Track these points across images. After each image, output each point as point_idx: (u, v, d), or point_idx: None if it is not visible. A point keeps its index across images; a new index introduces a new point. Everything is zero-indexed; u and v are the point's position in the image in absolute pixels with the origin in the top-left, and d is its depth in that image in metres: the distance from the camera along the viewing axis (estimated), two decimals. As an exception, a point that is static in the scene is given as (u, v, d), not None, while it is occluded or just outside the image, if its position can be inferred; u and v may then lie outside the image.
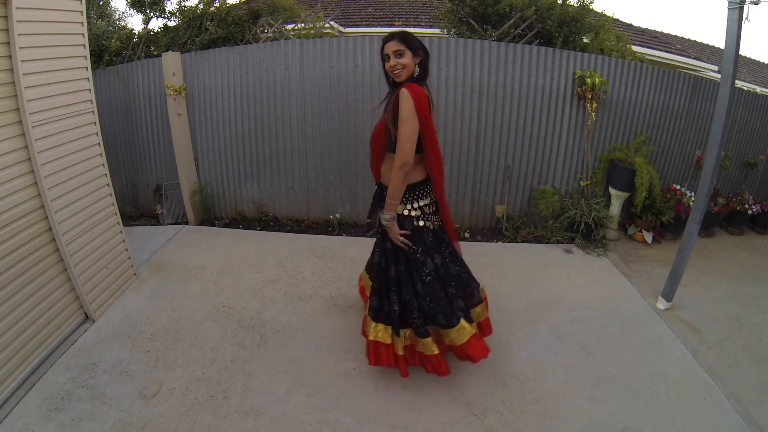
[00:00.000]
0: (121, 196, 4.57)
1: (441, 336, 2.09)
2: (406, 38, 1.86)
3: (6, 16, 2.06)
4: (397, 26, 7.96)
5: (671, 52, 7.38)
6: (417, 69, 1.89)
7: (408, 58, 1.86)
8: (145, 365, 2.33)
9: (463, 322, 2.06)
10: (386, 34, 1.93)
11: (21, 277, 2.19)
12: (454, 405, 2.13)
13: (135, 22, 18.61)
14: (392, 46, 1.86)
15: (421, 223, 2.01)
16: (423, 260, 2.01)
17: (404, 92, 1.79)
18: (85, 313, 2.65)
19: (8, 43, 2.08)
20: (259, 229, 4.18)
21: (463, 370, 2.35)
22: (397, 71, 1.87)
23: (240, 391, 2.17)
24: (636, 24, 9.04)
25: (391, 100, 1.91)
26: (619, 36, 5.14)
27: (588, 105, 3.84)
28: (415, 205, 2.00)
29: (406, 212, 1.99)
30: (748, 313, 3.00)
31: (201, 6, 4.86)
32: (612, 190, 3.97)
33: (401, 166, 1.83)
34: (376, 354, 2.14)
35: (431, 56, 3.67)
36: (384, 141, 1.99)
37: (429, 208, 2.05)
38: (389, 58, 1.88)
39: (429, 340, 2.05)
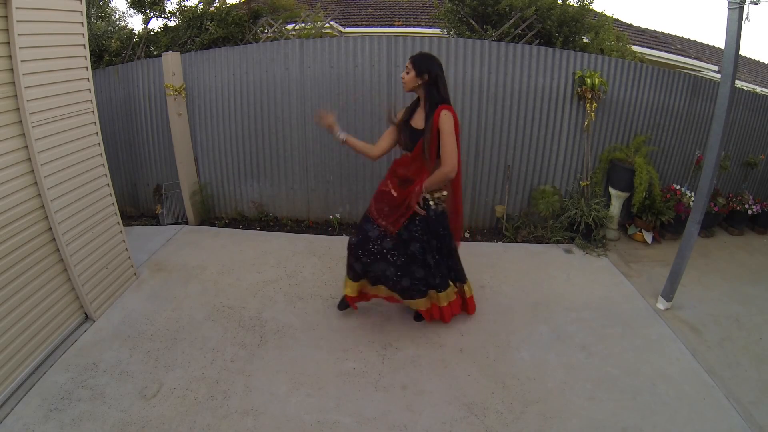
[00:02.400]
0: (121, 196, 4.57)
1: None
2: (415, 59, 2.26)
3: (6, 16, 2.06)
4: (398, 26, 7.96)
5: (671, 52, 7.38)
6: (422, 89, 2.26)
7: (410, 77, 2.25)
8: (145, 365, 2.33)
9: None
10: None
11: (21, 277, 2.19)
12: (454, 405, 2.13)
13: (135, 22, 18.65)
14: (408, 63, 2.27)
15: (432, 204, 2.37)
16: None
17: (445, 112, 2.19)
18: (85, 313, 2.65)
19: (8, 43, 2.08)
20: (259, 229, 4.18)
21: (463, 370, 2.36)
22: (403, 82, 2.30)
23: (240, 391, 2.17)
24: (636, 24, 9.05)
25: (432, 116, 2.23)
26: (619, 36, 5.14)
27: (588, 105, 3.84)
28: (435, 195, 2.35)
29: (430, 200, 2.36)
30: (748, 313, 3.00)
31: (201, 6, 4.86)
32: (612, 190, 3.97)
33: (450, 170, 2.20)
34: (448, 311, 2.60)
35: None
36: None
37: (444, 197, 2.41)
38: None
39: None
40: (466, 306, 2.75)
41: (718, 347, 2.62)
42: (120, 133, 4.46)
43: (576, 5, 4.40)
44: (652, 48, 7.25)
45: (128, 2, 5.36)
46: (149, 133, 4.36)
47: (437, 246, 2.45)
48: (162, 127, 4.26)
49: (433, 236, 2.41)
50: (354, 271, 2.52)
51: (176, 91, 3.94)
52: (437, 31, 5.75)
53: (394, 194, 2.39)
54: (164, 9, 5.29)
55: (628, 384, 2.29)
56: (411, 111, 2.38)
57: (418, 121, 2.33)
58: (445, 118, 2.18)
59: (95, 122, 2.69)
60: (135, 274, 3.12)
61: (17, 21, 2.08)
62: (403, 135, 2.37)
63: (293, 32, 4.64)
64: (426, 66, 2.23)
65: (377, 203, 2.46)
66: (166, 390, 2.17)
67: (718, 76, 6.60)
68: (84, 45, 2.55)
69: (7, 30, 2.07)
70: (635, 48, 5.85)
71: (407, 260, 2.39)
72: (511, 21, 4.15)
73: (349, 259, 2.52)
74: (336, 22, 7.32)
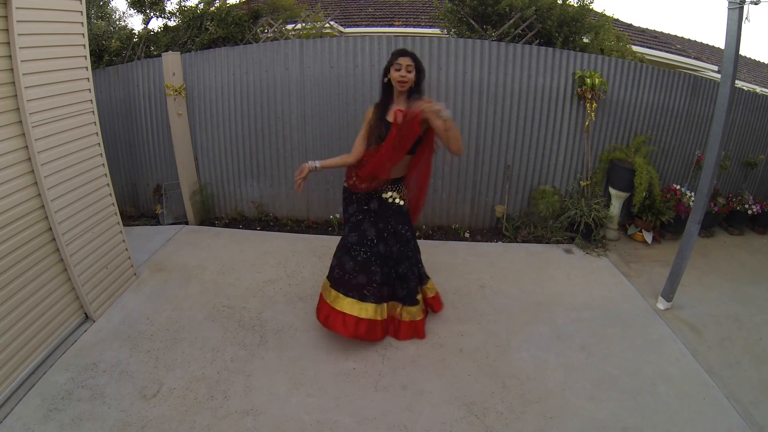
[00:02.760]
0: (121, 196, 4.57)
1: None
2: (416, 59, 2.26)
3: (6, 16, 2.06)
4: (398, 26, 7.96)
5: (671, 52, 7.38)
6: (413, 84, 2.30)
7: (413, 75, 2.26)
8: (145, 365, 2.33)
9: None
10: (401, 49, 2.31)
11: (21, 277, 2.19)
12: (454, 405, 2.13)
13: (135, 22, 18.65)
14: (407, 61, 2.23)
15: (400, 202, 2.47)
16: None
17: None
18: (85, 313, 2.65)
19: (8, 43, 2.08)
20: (259, 229, 4.18)
21: (463, 370, 2.36)
22: (404, 82, 2.25)
23: (240, 391, 2.17)
24: (636, 24, 9.04)
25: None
26: (619, 36, 5.14)
27: (588, 105, 3.84)
28: (401, 194, 2.45)
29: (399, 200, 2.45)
30: (748, 313, 3.00)
31: (201, 6, 4.86)
32: (612, 190, 3.97)
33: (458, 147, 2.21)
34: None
35: (431, 56, 3.72)
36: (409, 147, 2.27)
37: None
38: (401, 69, 2.23)
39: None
40: (431, 306, 2.74)
41: (718, 347, 2.62)
42: (120, 133, 4.46)
43: (576, 5, 4.40)
44: (652, 48, 7.25)
45: (128, 2, 5.36)
46: (149, 133, 4.36)
47: (400, 250, 2.45)
48: (162, 127, 4.26)
49: (398, 238, 2.45)
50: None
51: (176, 91, 3.94)
52: (437, 31, 5.75)
53: (364, 186, 2.39)
54: (164, 9, 5.29)
55: (628, 384, 2.29)
56: (383, 108, 2.33)
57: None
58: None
59: (95, 122, 2.69)
60: (135, 274, 3.12)
61: (17, 21, 2.08)
62: (378, 131, 2.29)
63: (293, 32, 4.64)
64: (421, 64, 2.29)
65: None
66: (166, 390, 2.17)
67: (718, 76, 6.60)
68: (84, 45, 2.55)
69: (7, 30, 2.07)
70: (635, 48, 5.85)
71: (367, 258, 2.39)
72: (511, 21, 4.15)
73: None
74: (336, 22, 7.32)
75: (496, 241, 3.98)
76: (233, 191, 4.36)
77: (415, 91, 2.29)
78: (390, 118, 2.29)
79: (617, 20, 6.35)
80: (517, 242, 3.95)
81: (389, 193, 2.43)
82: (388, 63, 2.29)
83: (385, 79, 2.31)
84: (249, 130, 4.12)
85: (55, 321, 2.42)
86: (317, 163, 2.36)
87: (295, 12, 5.27)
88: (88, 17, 5.03)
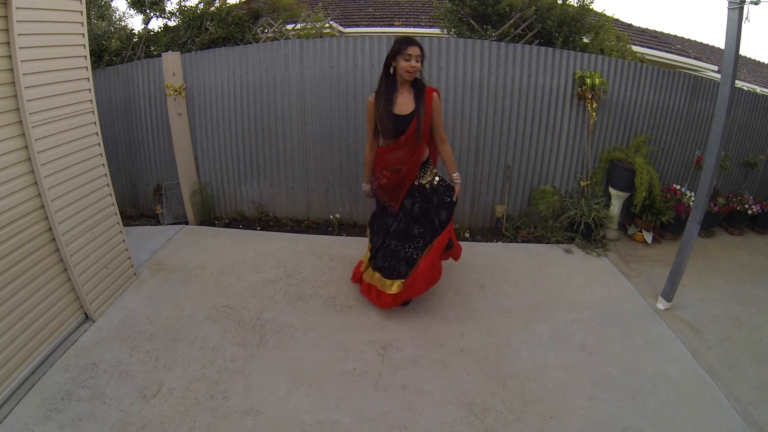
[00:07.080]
0: (121, 196, 4.57)
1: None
2: (422, 48, 2.36)
3: (6, 16, 2.06)
4: (398, 26, 7.96)
5: (671, 52, 7.38)
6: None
7: (420, 65, 2.35)
8: (145, 365, 2.33)
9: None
10: (407, 37, 2.37)
11: (21, 277, 2.19)
12: (454, 405, 2.13)
13: (135, 22, 18.65)
14: (417, 51, 2.32)
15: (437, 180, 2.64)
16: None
17: (436, 94, 2.44)
18: (85, 313, 2.65)
19: (8, 43, 2.08)
20: (259, 229, 4.18)
21: (463, 370, 2.36)
22: (413, 72, 2.35)
23: (240, 391, 2.17)
24: (636, 24, 9.03)
25: (423, 97, 2.41)
26: (619, 36, 5.13)
27: (588, 105, 3.84)
28: (435, 172, 2.65)
29: (436, 180, 2.61)
30: (748, 313, 3.00)
31: (201, 6, 4.85)
32: (612, 190, 3.97)
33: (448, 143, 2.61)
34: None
35: (431, 56, 3.74)
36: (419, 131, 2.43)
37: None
38: (410, 59, 2.31)
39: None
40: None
41: (718, 347, 2.62)
42: (120, 133, 4.46)
43: (576, 5, 4.40)
44: (652, 48, 7.25)
45: (128, 2, 5.35)
46: (149, 133, 4.36)
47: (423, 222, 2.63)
48: (162, 127, 4.26)
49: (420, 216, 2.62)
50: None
51: (176, 91, 3.94)
52: (437, 31, 5.76)
53: (385, 182, 2.57)
54: (164, 9, 5.28)
55: (628, 384, 2.29)
56: (388, 99, 2.40)
57: (403, 106, 2.40)
58: (438, 100, 2.45)
59: (95, 122, 2.69)
60: (135, 274, 3.12)
61: (17, 21, 2.07)
62: (387, 124, 2.38)
63: (293, 32, 4.64)
64: (424, 51, 2.39)
65: (383, 195, 2.67)
66: (166, 390, 2.17)
67: (718, 76, 6.60)
68: (84, 45, 2.55)
69: (7, 30, 2.07)
70: (635, 48, 5.84)
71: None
72: (511, 21, 4.15)
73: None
74: (336, 22, 7.32)
75: (496, 241, 3.98)
76: (233, 191, 4.36)
77: (420, 78, 2.41)
78: (397, 110, 2.39)
79: (617, 20, 6.35)
80: (517, 242, 3.95)
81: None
82: (393, 51, 2.33)
83: (392, 69, 2.37)
84: (249, 130, 4.12)
85: (55, 321, 2.42)
86: (366, 187, 2.75)
87: (295, 12, 5.26)
88: (88, 17, 5.03)
